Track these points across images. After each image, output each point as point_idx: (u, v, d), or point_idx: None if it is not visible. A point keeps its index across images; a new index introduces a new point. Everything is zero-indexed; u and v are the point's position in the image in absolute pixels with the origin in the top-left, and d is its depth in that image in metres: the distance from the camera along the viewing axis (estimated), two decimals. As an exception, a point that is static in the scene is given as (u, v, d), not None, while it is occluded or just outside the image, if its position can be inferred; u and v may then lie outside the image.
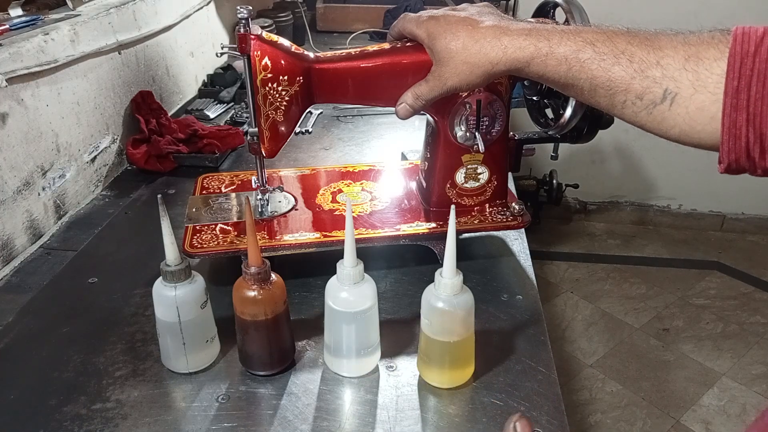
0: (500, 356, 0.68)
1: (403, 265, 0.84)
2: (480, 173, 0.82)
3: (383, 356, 0.68)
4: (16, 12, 1.01)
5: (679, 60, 0.49)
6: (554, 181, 2.34)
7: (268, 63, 0.69)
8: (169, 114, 1.24)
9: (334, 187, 0.90)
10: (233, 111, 1.36)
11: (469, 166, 0.81)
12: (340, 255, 0.61)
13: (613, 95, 0.53)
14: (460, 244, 0.85)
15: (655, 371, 1.92)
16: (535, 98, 0.85)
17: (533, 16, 0.80)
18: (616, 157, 2.55)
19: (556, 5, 0.76)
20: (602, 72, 0.53)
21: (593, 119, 0.80)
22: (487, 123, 0.78)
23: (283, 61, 0.69)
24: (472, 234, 0.87)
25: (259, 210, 0.84)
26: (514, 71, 0.59)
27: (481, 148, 0.77)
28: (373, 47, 0.73)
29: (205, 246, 0.76)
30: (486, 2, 0.68)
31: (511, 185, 0.91)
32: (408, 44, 0.71)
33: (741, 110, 0.46)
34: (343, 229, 0.70)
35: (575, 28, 0.57)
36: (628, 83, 0.52)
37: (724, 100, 0.47)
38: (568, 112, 0.76)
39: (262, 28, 0.76)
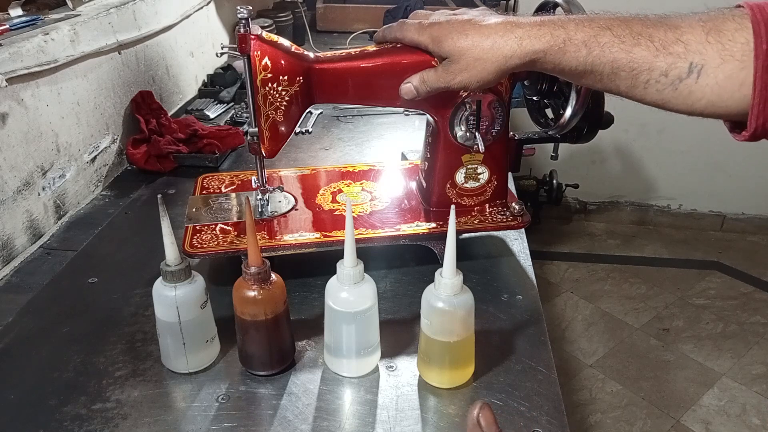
0: (500, 356, 0.68)
1: (403, 265, 0.84)
2: (480, 173, 0.82)
3: (383, 356, 0.68)
4: (16, 12, 1.01)
5: (699, 35, 0.50)
6: (554, 181, 2.34)
7: (268, 63, 0.69)
8: (169, 114, 1.24)
9: (334, 187, 0.90)
10: (233, 111, 1.36)
11: (469, 166, 0.81)
12: (340, 255, 0.61)
13: (636, 76, 0.53)
14: (460, 244, 0.85)
15: (655, 371, 1.92)
16: (535, 98, 0.85)
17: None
18: (616, 157, 2.55)
19: (556, 5, 0.76)
20: (624, 54, 0.53)
21: (593, 119, 0.80)
22: (487, 123, 0.78)
23: (283, 61, 0.69)
24: (472, 234, 0.87)
25: (259, 210, 0.84)
26: (528, 64, 0.59)
27: (481, 148, 0.77)
28: (373, 47, 0.73)
29: (205, 246, 0.76)
30: (484, 6, 0.68)
31: (511, 185, 0.91)
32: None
33: None
34: (343, 229, 0.70)
35: (587, 16, 0.57)
36: (651, 62, 0.52)
37: (755, 63, 0.48)
38: (568, 112, 0.76)
39: (262, 28, 0.76)
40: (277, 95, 0.70)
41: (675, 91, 0.52)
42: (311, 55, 0.73)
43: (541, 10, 0.80)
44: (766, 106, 0.48)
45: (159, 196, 0.61)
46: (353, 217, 0.76)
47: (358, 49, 0.73)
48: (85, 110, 1.02)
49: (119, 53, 1.12)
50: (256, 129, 0.73)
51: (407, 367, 0.67)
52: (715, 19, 0.50)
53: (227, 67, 1.48)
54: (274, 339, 0.64)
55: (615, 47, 0.53)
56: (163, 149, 1.10)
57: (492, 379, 0.66)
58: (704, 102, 0.52)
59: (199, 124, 1.18)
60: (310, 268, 0.81)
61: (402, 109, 1.34)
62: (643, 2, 2.27)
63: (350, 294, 0.62)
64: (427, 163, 0.85)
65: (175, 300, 0.62)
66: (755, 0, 0.49)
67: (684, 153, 2.41)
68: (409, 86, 0.68)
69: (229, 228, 0.80)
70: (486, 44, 0.59)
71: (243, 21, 0.69)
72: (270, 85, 0.70)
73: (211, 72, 1.51)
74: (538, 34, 0.57)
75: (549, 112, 0.85)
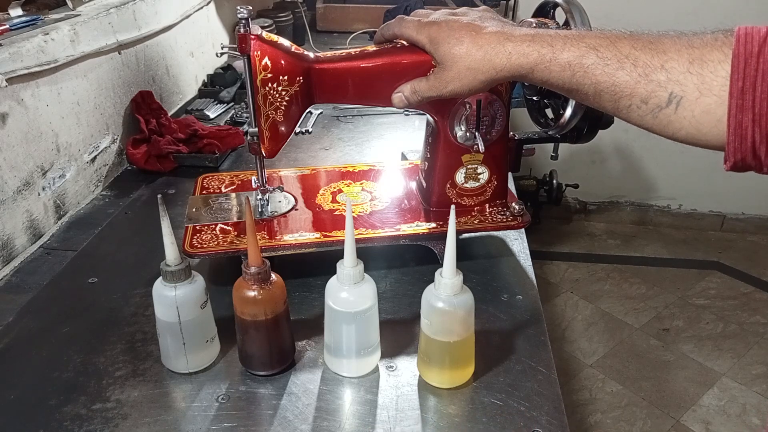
0: (500, 356, 0.68)
1: (403, 265, 0.84)
2: (480, 173, 0.82)
3: (383, 356, 0.68)
4: (16, 12, 1.01)
5: (683, 63, 0.49)
6: (554, 181, 2.34)
7: (268, 63, 0.69)
8: (169, 114, 1.24)
9: (334, 187, 0.90)
10: (233, 111, 1.36)
11: (469, 166, 0.81)
12: (340, 255, 0.61)
13: (618, 100, 0.53)
14: (460, 244, 0.85)
15: (655, 371, 1.92)
16: (535, 98, 0.85)
17: (533, 16, 0.80)
18: (616, 157, 2.55)
19: (556, 5, 0.76)
20: (606, 77, 0.53)
21: (593, 119, 0.80)
22: (487, 123, 0.78)
23: (283, 61, 0.69)
24: (472, 234, 0.87)
25: (259, 210, 0.84)
26: (518, 77, 0.59)
27: (481, 148, 0.77)
28: (373, 47, 0.73)
29: (205, 246, 0.76)
30: (485, 7, 0.68)
31: (511, 185, 0.91)
32: (405, 44, 0.71)
33: (746, 111, 0.46)
34: (343, 229, 0.70)
35: (578, 32, 0.57)
36: (632, 87, 0.52)
37: (729, 101, 0.47)
38: (568, 112, 0.76)
39: (262, 28, 0.76)
40: (277, 95, 0.70)
41: (655, 119, 0.52)
42: (311, 55, 0.73)
43: (541, 10, 0.80)
44: (743, 144, 0.47)
45: (159, 196, 0.61)
46: (353, 217, 0.76)
47: (358, 49, 0.73)
48: (85, 110, 1.02)
49: (119, 53, 1.12)
50: (256, 129, 0.73)
51: (407, 367, 0.67)
52: (704, 47, 0.49)
53: (227, 67, 1.48)
54: (274, 339, 0.64)
55: (599, 70, 0.53)
56: (163, 149, 1.10)
57: (492, 379, 0.66)
58: (684, 133, 0.51)
59: (199, 124, 1.18)
60: (310, 268, 0.81)
61: (402, 109, 1.34)
62: (642, 2, 2.25)
63: (350, 294, 0.62)
64: (427, 163, 0.85)
65: (175, 300, 0.62)
66: (753, 25, 0.47)
67: (684, 153, 2.41)
68: (400, 96, 0.69)
69: (229, 228, 0.80)
70: (478, 55, 0.60)
71: (243, 21, 0.69)
72: (270, 85, 0.70)
73: (211, 72, 1.51)
74: (526, 51, 0.57)
75: (549, 112, 0.85)
